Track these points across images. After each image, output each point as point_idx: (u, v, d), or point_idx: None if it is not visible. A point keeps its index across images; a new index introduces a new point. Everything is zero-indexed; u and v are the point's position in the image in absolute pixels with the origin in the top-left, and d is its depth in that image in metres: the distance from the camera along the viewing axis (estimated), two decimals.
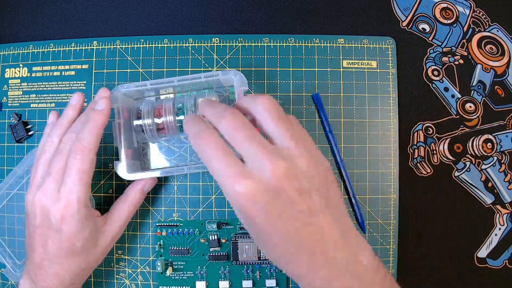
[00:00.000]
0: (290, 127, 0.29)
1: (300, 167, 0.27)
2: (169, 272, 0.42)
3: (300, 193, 0.27)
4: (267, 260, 0.42)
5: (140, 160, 0.43)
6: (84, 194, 0.34)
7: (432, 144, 0.45)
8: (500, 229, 0.44)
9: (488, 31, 0.46)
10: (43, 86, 0.45)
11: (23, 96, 0.45)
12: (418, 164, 0.45)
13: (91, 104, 0.37)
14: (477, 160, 0.45)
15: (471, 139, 0.45)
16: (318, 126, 0.44)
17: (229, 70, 0.37)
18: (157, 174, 0.39)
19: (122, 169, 0.38)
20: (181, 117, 0.38)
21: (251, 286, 0.42)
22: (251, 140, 0.27)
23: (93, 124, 0.35)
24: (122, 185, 0.43)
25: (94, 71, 0.45)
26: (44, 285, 0.35)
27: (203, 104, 0.32)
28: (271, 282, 0.42)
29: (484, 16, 0.46)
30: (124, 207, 0.39)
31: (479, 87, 0.45)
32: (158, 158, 0.43)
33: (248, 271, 0.42)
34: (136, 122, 0.39)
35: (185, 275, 0.42)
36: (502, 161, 0.45)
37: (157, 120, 0.39)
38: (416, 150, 0.45)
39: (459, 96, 0.45)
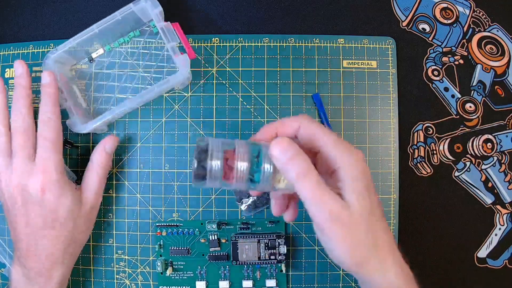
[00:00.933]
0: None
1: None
2: (169, 272, 0.42)
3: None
4: (267, 260, 0.42)
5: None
6: (59, 161, 0.36)
7: (432, 144, 0.45)
8: (500, 229, 0.44)
9: (488, 31, 0.46)
10: None
11: None
12: (418, 164, 0.45)
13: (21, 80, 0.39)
14: (477, 160, 0.45)
15: (471, 139, 0.45)
16: None
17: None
18: (108, 116, 0.40)
19: (73, 124, 0.40)
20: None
21: (251, 286, 0.42)
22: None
23: (48, 96, 0.38)
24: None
25: (93, 71, 0.45)
26: (36, 266, 0.35)
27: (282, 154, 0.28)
28: (271, 282, 0.42)
29: (484, 16, 0.46)
30: (93, 173, 0.40)
31: (479, 87, 0.45)
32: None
33: (248, 271, 0.42)
34: (199, 162, 0.29)
35: (185, 275, 0.42)
36: (502, 161, 0.45)
37: (229, 164, 0.30)
38: (416, 150, 0.45)
39: (459, 96, 0.45)
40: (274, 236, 0.42)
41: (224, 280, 0.42)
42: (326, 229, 0.28)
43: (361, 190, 0.28)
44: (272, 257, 0.42)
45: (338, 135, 0.31)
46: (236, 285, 0.42)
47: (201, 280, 0.42)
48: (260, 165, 0.30)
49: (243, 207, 0.43)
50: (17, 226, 0.35)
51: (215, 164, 0.29)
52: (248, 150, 0.30)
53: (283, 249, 0.41)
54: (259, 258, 0.42)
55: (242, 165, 0.30)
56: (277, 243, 0.42)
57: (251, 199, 0.42)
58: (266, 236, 0.42)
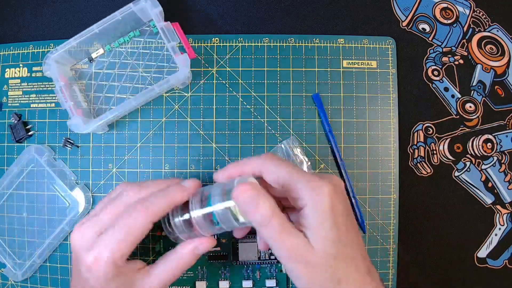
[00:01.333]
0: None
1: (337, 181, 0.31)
2: None
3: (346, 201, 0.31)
4: (267, 260, 0.42)
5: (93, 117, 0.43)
6: (119, 254, 0.30)
7: (432, 144, 0.45)
8: (500, 229, 0.44)
9: (488, 31, 0.46)
10: (43, 86, 0.45)
11: (23, 96, 0.45)
12: (418, 164, 0.45)
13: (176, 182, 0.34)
14: (477, 160, 0.45)
15: (471, 139, 0.45)
16: (318, 126, 0.44)
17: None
18: (109, 116, 0.39)
19: (74, 124, 0.39)
20: (208, 209, 0.32)
21: (251, 286, 0.42)
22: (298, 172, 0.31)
23: (169, 194, 0.32)
24: None
25: (94, 71, 0.45)
26: None
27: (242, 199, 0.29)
28: (271, 282, 0.42)
29: (484, 16, 0.46)
30: (172, 265, 0.34)
31: (479, 87, 0.45)
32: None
33: (248, 271, 0.42)
34: (167, 222, 0.33)
35: (185, 275, 0.42)
36: (502, 161, 0.45)
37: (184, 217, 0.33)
38: (416, 150, 0.45)
39: (459, 96, 0.45)
40: None
41: (224, 280, 0.42)
42: (288, 268, 0.29)
43: (326, 232, 0.28)
44: (272, 257, 0.42)
45: (305, 170, 0.32)
46: (236, 285, 0.42)
47: (201, 280, 0.42)
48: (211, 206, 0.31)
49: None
50: (72, 275, 0.34)
51: (175, 222, 0.33)
52: (200, 197, 0.32)
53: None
54: (259, 258, 0.42)
55: (194, 214, 0.32)
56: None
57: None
58: None
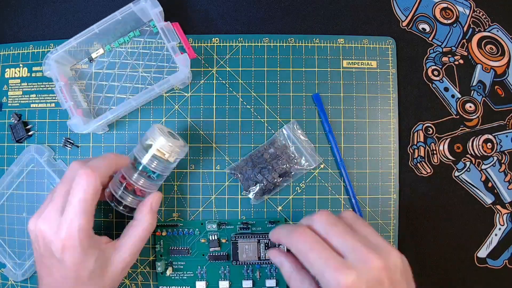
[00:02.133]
0: (356, 238, 0.30)
1: (393, 260, 0.30)
2: (169, 272, 0.42)
3: (395, 284, 0.29)
4: (267, 260, 0.42)
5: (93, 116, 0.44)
6: (86, 223, 0.32)
7: (432, 144, 0.45)
8: (500, 229, 0.44)
9: (488, 31, 0.46)
10: (43, 86, 0.45)
11: (23, 96, 0.45)
12: (418, 164, 0.45)
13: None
14: (477, 160, 0.45)
15: (471, 139, 0.45)
16: (318, 126, 0.44)
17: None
18: (109, 116, 0.39)
19: (74, 124, 0.39)
20: (141, 167, 0.37)
21: (251, 286, 0.42)
22: (350, 234, 0.30)
23: (107, 157, 0.35)
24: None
25: (94, 71, 0.45)
26: None
27: (275, 233, 0.35)
28: (271, 282, 0.42)
29: (484, 16, 0.46)
30: (135, 232, 0.36)
31: (479, 87, 0.45)
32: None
33: (248, 271, 0.42)
34: (120, 199, 0.37)
35: (185, 275, 0.42)
36: (502, 161, 0.45)
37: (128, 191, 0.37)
38: (416, 150, 0.45)
39: (459, 96, 0.45)
40: None
41: (224, 280, 0.42)
42: None
43: None
44: None
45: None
46: (236, 285, 0.42)
47: (201, 280, 0.42)
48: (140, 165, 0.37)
49: (251, 195, 0.42)
50: (40, 271, 0.34)
51: (120, 195, 0.37)
52: (129, 164, 0.37)
53: (283, 249, 0.42)
54: (259, 258, 0.42)
55: (132, 177, 0.37)
56: (277, 243, 0.42)
57: (258, 186, 0.42)
58: (266, 236, 0.42)
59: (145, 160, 0.36)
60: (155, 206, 0.38)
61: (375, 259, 0.29)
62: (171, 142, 0.37)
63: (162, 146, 0.36)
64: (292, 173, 0.43)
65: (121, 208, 0.37)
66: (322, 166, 0.44)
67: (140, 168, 0.37)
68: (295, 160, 0.43)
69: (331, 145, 0.44)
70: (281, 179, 0.42)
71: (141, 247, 0.37)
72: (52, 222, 0.33)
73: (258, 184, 0.42)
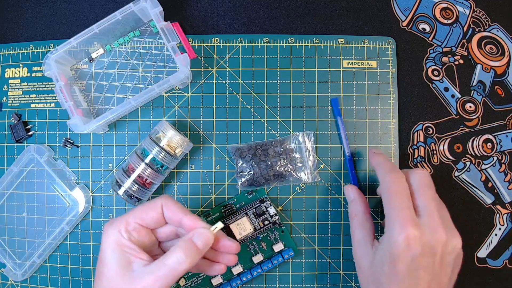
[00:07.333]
0: (437, 208, 0.34)
1: (455, 243, 0.33)
2: (182, 283, 0.41)
3: (443, 262, 0.33)
4: (263, 228, 0.42)
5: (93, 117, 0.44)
6: (124, 224, 0.32)
7: (432, 144, 0.45)
8: (500, 229, 0.44)
9: (488, 31, 0.46)
10: (43, 86, 0.45)
11: (23, 96, 0.45)
12: (418, 164, 0.45)
13: None
14: (477, 160, 0.45)
15: (471, 139, 0.45)
16: (318, 125, 0.44)
17: None
18: (109, 116, 0.39)
19: (74, 124, 0.40)
20: (149, 157, 0.40)
21: (262, 258, 0.42)
22: (435, 203, 0.34)
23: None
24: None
25: (94, 71, 0.45)
26: None
27: (379, 158, 0.38)
28: (279, 246, 0.42)
29: (484, 16, 0.46)
30: (171, 268, 0.30)
31: (479, 87, 0.45)
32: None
33: (252, 246, 0.42)
34: (120, 191, 0.40)
35: (199, 278, 0.42)
36: (502, 161, 0.45)
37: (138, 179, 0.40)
38: (416, 150, 0.45)
39: (459, 96, 0.45)
40: (258, 202, 0.42)
41: (234, 266, 0.42)
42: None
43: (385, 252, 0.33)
44: (266, 222, 0.42)
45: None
46: (248, 265, 0.42)
47: (214, 276, 0.42)
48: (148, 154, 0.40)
49: (240, 180, 0.42)
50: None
51: (129, 186, 0.40)
52: (137, 155, 0.40)
53: (272, 210, 0.42)
54: (255, 229, 0.42)
55: (140, 168, 0.40)
56: (264, 208, 0.42)
57: (249, 176, 0.42)
58: (250, 206, 0.42)
59: (154, 152, 0.39)
60: (201, 245, 0.31)
61: (442, 233, 0.32)
62: (180, 136, 0.40)
63: (171, 138, 0.39)
64: (286, 179, 0.43)
65: (127, 198, 0.40)
66: (322, 166, 0.44)
67: (149, 159, 0.39)
68: (294, 168, 0.43)
69: (345, 158, 0.44)
70: (274, 179, 0.42)
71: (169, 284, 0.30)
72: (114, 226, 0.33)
73: (250, 174, 0.42)
